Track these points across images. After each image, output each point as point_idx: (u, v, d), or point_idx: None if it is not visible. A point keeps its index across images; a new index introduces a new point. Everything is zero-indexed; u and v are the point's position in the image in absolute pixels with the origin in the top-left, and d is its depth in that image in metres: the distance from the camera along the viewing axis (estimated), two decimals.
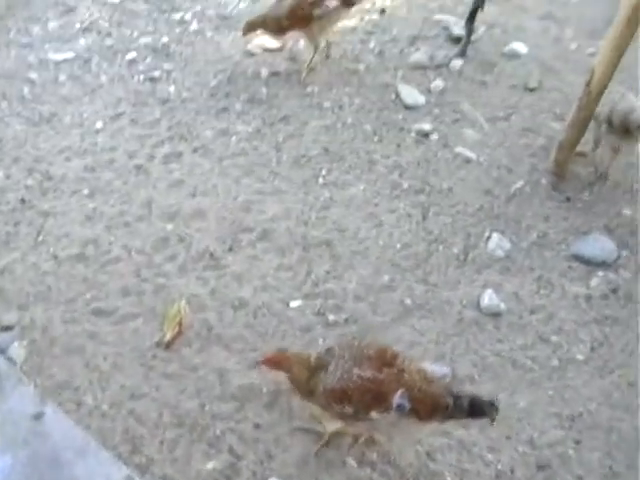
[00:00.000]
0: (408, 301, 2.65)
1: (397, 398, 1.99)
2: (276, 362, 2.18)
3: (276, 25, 3.66)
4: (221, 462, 2.20)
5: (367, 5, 4.31)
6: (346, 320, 2.58)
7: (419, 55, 3.92)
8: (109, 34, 4.15)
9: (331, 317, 2.58)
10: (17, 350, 2.51)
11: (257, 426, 2.29)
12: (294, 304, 2.63)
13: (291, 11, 3.59)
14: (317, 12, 3.60)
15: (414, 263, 2.79)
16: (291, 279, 2.72)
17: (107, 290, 2.70)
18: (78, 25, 4.23)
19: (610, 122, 3.02)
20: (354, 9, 3.83)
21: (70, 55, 3.96)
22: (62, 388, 2.40)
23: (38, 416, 2.27)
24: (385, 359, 2.07)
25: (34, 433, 2.23)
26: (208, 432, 2.27)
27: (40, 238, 2.91)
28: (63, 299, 2.68)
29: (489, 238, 2.89)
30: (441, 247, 2.86)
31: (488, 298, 2.66)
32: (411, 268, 2.77)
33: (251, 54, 3.92)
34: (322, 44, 3.79)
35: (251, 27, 3.69)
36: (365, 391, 2.03)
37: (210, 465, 2.19)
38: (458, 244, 2.87)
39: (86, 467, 2.14)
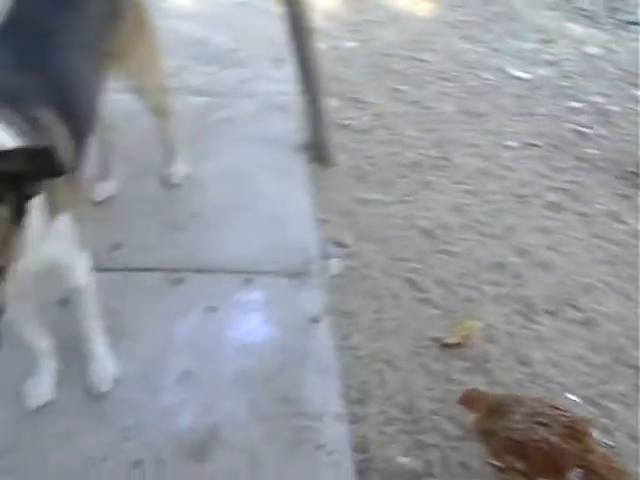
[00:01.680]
0: None
1: (574, 476, 1.85)
2: (469, 401, 2.16)
3: None
4: None
5: None
6: None
7: None
8: None
9: None
10: (334, 265, 2.78)
11: None
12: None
13: None
14: None
15: None
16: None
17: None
18: None
19: None
20: None
21: None
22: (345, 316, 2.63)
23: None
24: (575, 432, 1.91)
25: None
26: None
27: None
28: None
29: None
30: None
31: None
32: None
33: None
34: None
35: None
36: (543, 455, 1.89)
37: None
38: None
39: None
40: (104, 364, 2.31)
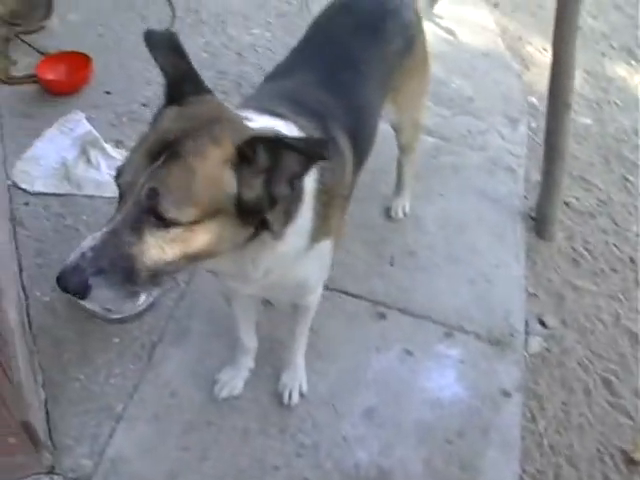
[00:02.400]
0: None
1: None
2: None
3: None
4: None
5: None
6: None
7: None
8: None
9: None
10: (533, 343, 2.72)
11: None
12: None
13: None
14: None
15: None
16: None
17: None
18: None
19: None
20: None
21: None
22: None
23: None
24: None
25: None
26: None
27: None
28: None
29: None
30: None
31: None
32: None
33: None
34: None
35: None
36: None
37: None
38: None
39: None
40: (297, 377, 2.36)
